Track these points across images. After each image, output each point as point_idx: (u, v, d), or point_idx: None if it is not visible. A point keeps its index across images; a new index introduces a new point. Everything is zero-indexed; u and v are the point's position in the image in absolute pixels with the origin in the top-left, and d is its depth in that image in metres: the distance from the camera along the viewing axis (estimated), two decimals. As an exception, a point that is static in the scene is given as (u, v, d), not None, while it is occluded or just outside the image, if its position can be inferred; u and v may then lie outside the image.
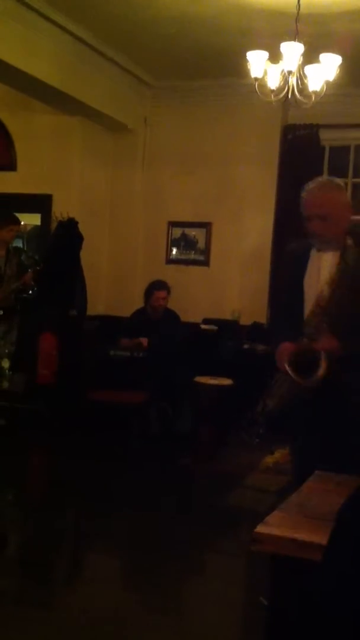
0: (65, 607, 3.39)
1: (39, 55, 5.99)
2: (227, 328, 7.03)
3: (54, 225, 7.09)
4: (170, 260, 7.81)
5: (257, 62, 5.05)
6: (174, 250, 7.81)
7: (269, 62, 5.09)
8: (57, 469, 5.77)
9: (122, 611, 3.33)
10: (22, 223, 7.08)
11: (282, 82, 5.10)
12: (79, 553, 4.27)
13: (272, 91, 5.15)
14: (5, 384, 6.42)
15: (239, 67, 5.42)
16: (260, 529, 1.90)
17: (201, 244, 7.69)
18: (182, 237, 7.77)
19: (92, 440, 6.03)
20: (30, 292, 6.59)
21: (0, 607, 3.30)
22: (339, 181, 3.22)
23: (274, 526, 1.92)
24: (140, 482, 5.43)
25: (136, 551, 4.16)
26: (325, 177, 3.26)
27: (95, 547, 4.23)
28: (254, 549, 1.86)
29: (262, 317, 7.35)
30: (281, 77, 5.07)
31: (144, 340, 6.40)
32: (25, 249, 7.96)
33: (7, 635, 3.02)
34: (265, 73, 5.08)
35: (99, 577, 3.80)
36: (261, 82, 5.11)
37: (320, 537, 1.73)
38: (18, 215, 6.79)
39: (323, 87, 5.09)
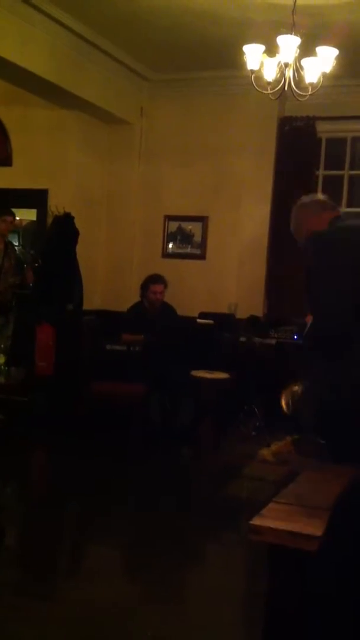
0: (66, 600, 3.39)
1: (35, 49, 5.97)
2: (224, 321, 7.02)
3: (50, 220, 7.07)
4: (166, 254, 7.80)
5: (253, 54, 5.03)
6: (171, 244, 7.80)
7: (265, 55, 5.07)
8: (56, 462, 5.78)
9: (123, 602, 3.34)
10: (17, 218, 7.05)
11: (278, 75, 5.09)
12: (79, 546, 4.28)
13: (269, 83, 5.14)
14: (2, 379, 6.41)
15: (236, 59, 5.39)
16: (256, 520, 1.90)
17: (197, 238, 7.68)
18: (179, 230, 7.75)
19: (91, 433, 6.03)
20: (27, 289, 6.59)
21: (2, 599, 3.30)
22: (298, 204, 3.09)
23: (271, 518, 1.92)
24: (140, 474, 5.45)
25: (136, 542, 4.17)
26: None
27: (96, 539, 4.23)
28: (252, 539, 1.86)
29: (258, 310, 7.35)
30: (278, 69, 5.06)
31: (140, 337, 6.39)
32: (21, 243, 7.95)
33: (9, 627, 3.02)
34: (262, 65, 5.07)
35: (100, 569, 3.81)
36: (258, 74, 5.10)
37: (317, 529, 1.72)
38: (14, 210, 6.77)
39: (320, 79, 5.08)
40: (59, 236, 6.86)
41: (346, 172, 7.39)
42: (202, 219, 7.62)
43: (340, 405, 2.47)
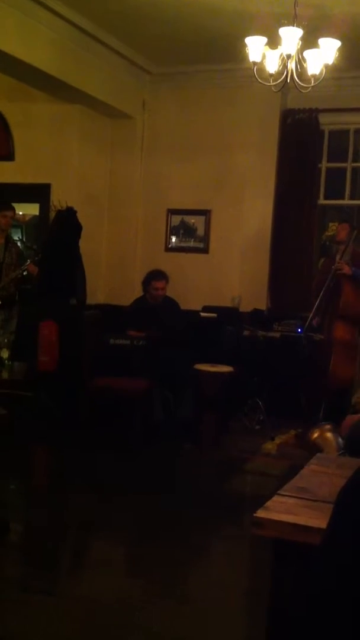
0: (69, 594, 3.39)
1: (37, 43, 5.95)
2: (228, 315, 7.02)
3: (52, 214, 7.07)
4: (169, 248, 7.80)
5: (255, 46, 5.01)
6: (173, 238, 7.79)
7: (267, 47, 5.05)
8: (59, 456, 5.79)
9: (125, 597, 3.34)
10: (20, 213, 7.04)
11: (281, 67, 5.06)
12: (82, 540, 4.28)
13: (271, 76, 5.11)
14: (5, 374, 6.41)
15: (238, 52, 5.37)
16: (260, 513, 1.89)
17: (200, 231, 7.67)
18: (182, 224, 7.75)
19: (94, 427, 6.04)
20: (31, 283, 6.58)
21: (4, 594, 3.31)
22: None
23: (274, 511, 1.91)
24: (143, 468, 5.44)
25: (139, 537, 4.17)
26: None
27: (98, 533, 4.24)
28: (255, 533, 1.85)
29: (262, 303, 7.34)
30: (280, 61, 5.03)
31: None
32: (23, 238, 7.94)
33: (11, 622, 3.02)
34: (264, 57, 5.04)
35: (103, 564, 3.81)
36: (260, 66, 5.07)
37: (320, 521, 1.72)
38: (16, 205, 6.77)
39: (322, 71, 5.05)
40: (61, 230, 6.85)
41: (349, 165, 7.36)
42: (205, 213, 7.61)
43: None
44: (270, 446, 5.94)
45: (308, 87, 5.11)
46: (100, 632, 3.00)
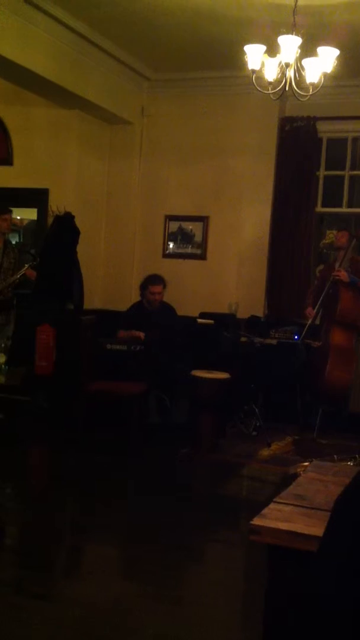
0: (64, 598, 3.38)
1: (36, 48, 5.97)
2: (225, 321, 7.02)
3: (50, 219, 7.07)
4: (167, 254, 7.80)
5: (254, 54, 5.03)
6: (171, 244, 7.80)
7: (266, 55, 5.07)
8: (56, 460, 5.79)
9: (121, 601, 3.34)
10: (17, 217, 7.04)
11: (279, 75, 5.08)
12: (78, 543, 4.28)
13: (270, 83, 5.14)
14: (2, 379, 6.41)
15: (237, 59, 5.40)
16: (256, 521, 1.90)
17: (198, 238, 7.67)
18: (179, 230, 7.75)
19: (90, 431, 6.04)
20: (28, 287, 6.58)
21: (1, 598, 3.30)
22: None
23: (271, 518, 1.91)
24: (139, 473, 5.45)
25: (135, 540, 4.16)
26: None
27: (95, 537, 4.23)
28: (252, 540, 1.85)
29: (259, 310, 7.35)
30: (279, 69, 5.06)
31: (141, 334, 6.39)
32: (19, 242, 7.95)
33: (6, 625, 3.01)
34: (263, 65, 5.07)
35: (99, 567, 3.80)
36: (259, 74, 5.09)
37: (317, 529, 1.72)
38: (14, 209, 6.77)
39: (320, 79, 5.08)
40: (59, 235, 6.85)
41: (347, 173, 7.38)
42: (203, 219, 7.62)
43: None
44: (266, 452, 5.95)
45: (306, 95, 5.13)
46: (96, 635, 3.00)
